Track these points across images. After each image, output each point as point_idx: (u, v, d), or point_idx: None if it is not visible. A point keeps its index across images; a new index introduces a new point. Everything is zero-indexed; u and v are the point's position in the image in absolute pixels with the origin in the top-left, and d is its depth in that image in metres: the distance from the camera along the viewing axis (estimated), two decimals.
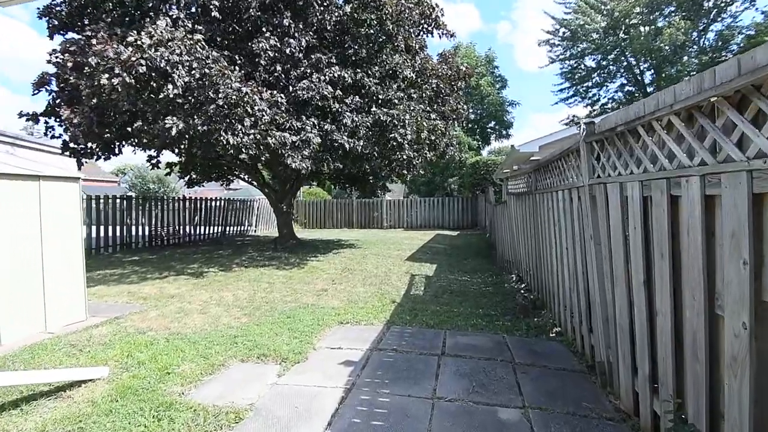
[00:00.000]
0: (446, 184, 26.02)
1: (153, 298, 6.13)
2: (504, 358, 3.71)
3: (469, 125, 31.34)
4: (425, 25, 11.09)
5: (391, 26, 9.11)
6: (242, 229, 19.31)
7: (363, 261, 9.63)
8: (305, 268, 8.68)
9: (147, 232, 13.83)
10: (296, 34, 8.15)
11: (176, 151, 8.24)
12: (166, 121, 6.23)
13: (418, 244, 13.08)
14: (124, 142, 8.61)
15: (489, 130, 31.77)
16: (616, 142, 2.72)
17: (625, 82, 31.79)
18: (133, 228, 13.36)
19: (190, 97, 6.55)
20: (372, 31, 9.37)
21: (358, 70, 8.93)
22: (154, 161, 8.35)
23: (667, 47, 27.90)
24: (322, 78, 8.01)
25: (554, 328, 4.62)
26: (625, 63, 30.64)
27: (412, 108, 8.70)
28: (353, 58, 9.28)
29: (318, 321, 4.81)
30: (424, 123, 8.77)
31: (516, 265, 7.48)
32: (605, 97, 31.96)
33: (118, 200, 12.83)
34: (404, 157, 8.79)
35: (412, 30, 10.73)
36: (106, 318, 5.01)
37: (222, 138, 6.50)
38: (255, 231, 20.17)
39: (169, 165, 11.55)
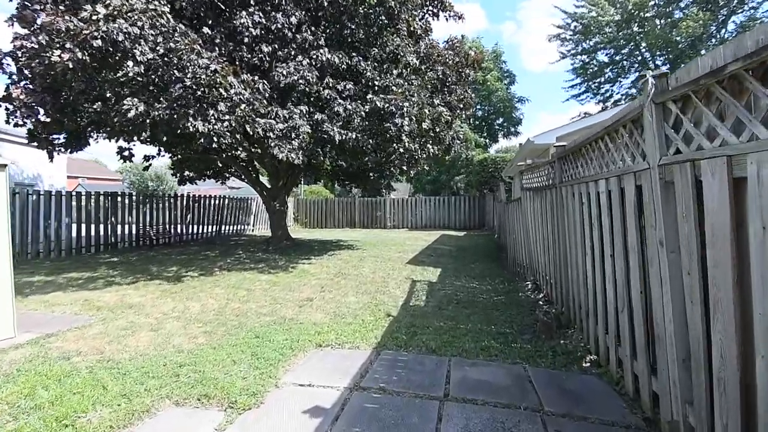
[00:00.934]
0: (452, 183, 25.03)
1: (108, 308, 5.24)
2: (529, 404, 2.75)
3: (476, 122, 30.34)
4: (430, 7, 10.15)
5: (394, 3, 8.16)
6: (239, 228, 18.47)
7: (360, 264, 8.69)
8: (294, 273, 7.76)
9: (135, 232, 13.03)
10: (287, 7, 7.21)
11: (141, 139, 7.33)
12: (125, 104, 5.33)
13: (421, 246, 12.13)
14: (93, 132, 7.74)
15: (497, 127, 30.70)
16: (713, 97, 1.76)
17: (638, 77, 30.55)
18: (119, 227, 12.55)
19: (153, 76, 5.65)
20: (372, 11, 8.43)
21: (354, 54, 7.99)
22: (125, 153, 7.46)
23: (684, 40, 26.66)
24: (307, 62, 7.08)
25: (588, 356, 3.65)
26: (639, 57, 29.41)
27: (411, 94, 7.74)
28: (350, 40, 8.34)
29: (292, 343, 3.88)
30: (426, 111, 7.80)
31: (531, 271, 6.51)
32: (618, 93, 30.72)
33: (101, 197, 12.02)
34: (403, 150, 7.83)
35: (416, 11, 9.78)
36: (38, 335, 4.12)
37: (191, 124, 5.60)
38: (253, 230, 19.33)
39: (147, 158, 10.62)
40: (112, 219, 12.33)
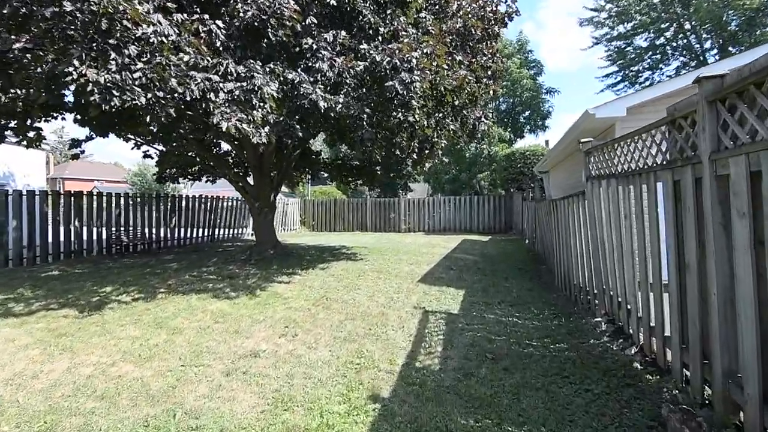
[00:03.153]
0: (474, 181, 22.62)
1: None
2: None
3: (500, 116, 27.82)
4: None
5: None
6: (237, 232, 16.63)
7: (356, 283, 6.53)
8: (260, 298, 5.65)
9: (106, 237, 11.24)
10: None
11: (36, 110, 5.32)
12: None
13: (439, 254, 9.88)
14: None
15: (522, 121, 28.06)
16: None
17: (681, 63, 27.50)
18: (87, 231, 10.76)
19: None
20: None
21: None
22: (31, 135, 5.52)
23: (737, 18, 23.55)
24: None
25: None
26: (684, 41, 26.38)
27: (422, 42, 5.53)
28: None
29: None
30: (444, 65, 5.56)
31: (604, 301, 4.22)
32: (659, 82, 27.71)
33: (63, 197, 10.24)
34: (413, 120, 5.60)
35: None
36: None
37: (74, 69, 3.56)
38: (252, 234, 17.42)
39: (74, 144, 8.43)
40: (76, 223, 10.55)
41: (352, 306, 5.20)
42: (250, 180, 9.66)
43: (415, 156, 6.76)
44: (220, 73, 4.63)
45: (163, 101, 4.11)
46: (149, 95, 3.94)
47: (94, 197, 11.17)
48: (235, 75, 4.73)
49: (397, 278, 6.95)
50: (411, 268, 7.92)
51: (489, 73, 7.50)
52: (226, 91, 4.52)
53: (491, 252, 10.64)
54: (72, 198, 10.42)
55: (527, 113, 27.91)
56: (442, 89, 5.73)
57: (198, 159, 9.76)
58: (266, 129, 5.05)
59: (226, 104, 4.55)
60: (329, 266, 8.06)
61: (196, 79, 4.28)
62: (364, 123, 5.37)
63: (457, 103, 6.72)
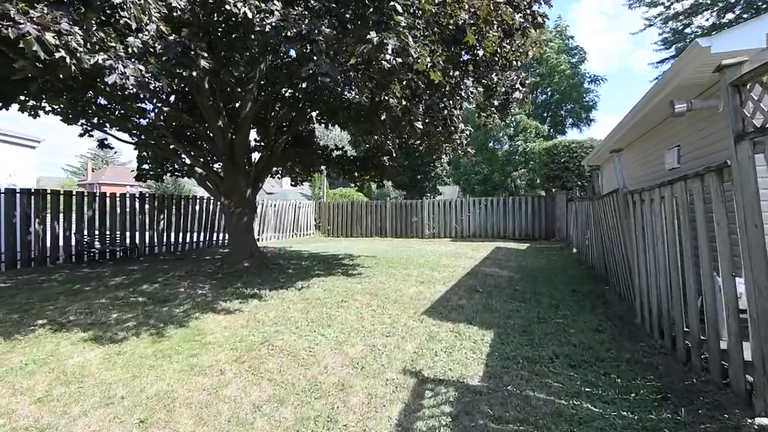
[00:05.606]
0: (509, 181, 20.07)
1: None
2: None
3: (535, 110, 25.07)
4: None
5: None
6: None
7: (329, 316, 4.44)
8: (169, 340, 3.66)
9: (75, 242, 9.75)
10: None
11: None
12: None
13: (463, 268, 7.64)
14: None
15: (563, 114, 25.14)
16: None
17: None
18: (49, 235, 9.28)
19: None
20: None
21: None
22: None
23: None
24: None
25: None
26: (756, 12, 22.68)
27: None
28: None
29: None
30: None
31: None
32: None
33: (18, 195, 8.78)
34: (395, 48, 3.38)
35: None
36: None
37: None
38: (259, 239, 15.71)
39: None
40: (37, 226, 9.08)
41: (298, 365, 3.11)
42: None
43: (420, 126, 4.57)
44: None
45: None
46: None
47: (61, 197, 9.72)
48: None
49: (395, 306, 4.80)
50: (419, 289, 5.73)
51: (528, 16, 5.20)
52: None
53: (531, 265, 8.27)
54: (28, 197, 8.94)
55: (568, 106, 25.00)
56: (452, 21, 3.57)
57: (160, 149, 7.98)
58: (137, 66, 3.05)
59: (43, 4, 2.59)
60: (310, 285, 6.00)
61: None
62: (321, 48, 3.27)
63: (480, 53, 4.51)
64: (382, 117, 4.68)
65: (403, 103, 4.26)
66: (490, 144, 23.12)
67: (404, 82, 4.00)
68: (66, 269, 8.32)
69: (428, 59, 3.40)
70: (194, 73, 3.30)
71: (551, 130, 24.53)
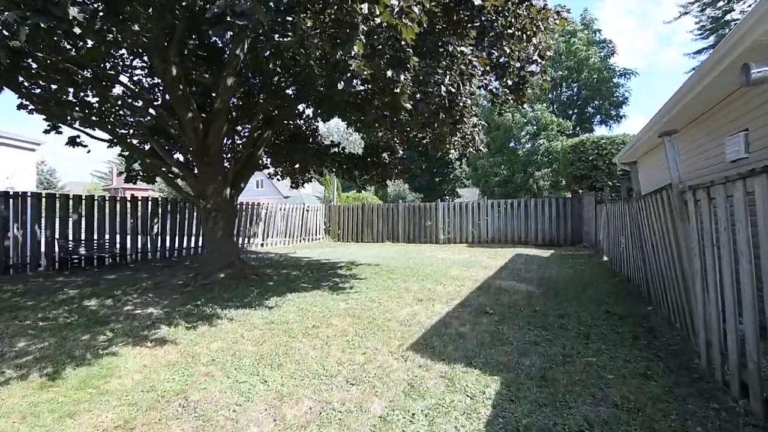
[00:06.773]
0: (532, 182, 18.68)
1: None
2: None
3: (559, 107, 23.55)
4: None
5: None
6: (243, 242, 14.11)
7: (288, 349, 3.45)
8: (47, 391, 2.75)
9: (58, 248, 9.13)
10: None
11: None
12: None
13: (474, 280, 6.53)
14: None
15: (591, 110, 23.51)
16: None
17: None
18: (28, 239, 8.68)
19: None
20: None
21: None
22: None
23: None
24: None
25: None
26: None
27: None
28: None
29: None
30: None
31: None
32: None
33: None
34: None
35: None
36: None
37: None
38: (264, 245, 14.97)
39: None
40: (16, 231, 8.49)
41: None
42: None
43: (408, 105, 3.57)
44: None
45: None
46: None
47: (44, 199, 9.16)
48: None
49: (376, 336, 3.76)
50: (414, 310, 4.67)
51: None
52: None
53: (555, 276, 7.08)
54: (9, 200, 8.37)
55: (596, 102, 23.37)
56: None
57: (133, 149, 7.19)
58: None
59: None
60: (284, 303, 5.02)
61: None
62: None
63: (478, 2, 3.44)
64: (355, 85, 3.67)
65: (386, 74, 3.23)
66: (511, 144, 21.80)
67: (371, 36, 3.00)
68: (40, 277, 7.65)
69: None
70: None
71: (577, 127, 22.97)
